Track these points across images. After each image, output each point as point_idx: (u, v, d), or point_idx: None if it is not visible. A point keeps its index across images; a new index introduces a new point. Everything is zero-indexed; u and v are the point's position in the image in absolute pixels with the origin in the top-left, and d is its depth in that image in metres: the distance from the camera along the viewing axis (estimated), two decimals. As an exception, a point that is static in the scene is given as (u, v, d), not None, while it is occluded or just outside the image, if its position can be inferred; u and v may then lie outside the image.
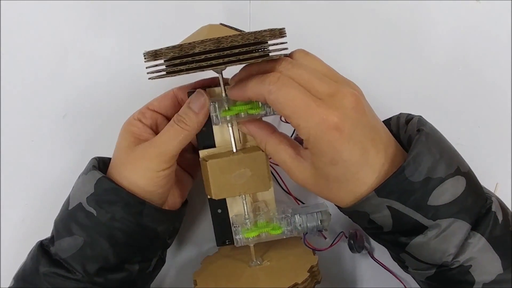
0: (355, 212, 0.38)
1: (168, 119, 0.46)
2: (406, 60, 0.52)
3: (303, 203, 0.51)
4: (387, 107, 0.51)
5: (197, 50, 0.35)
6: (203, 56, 0.35)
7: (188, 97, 0.43)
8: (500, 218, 0.37)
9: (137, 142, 0.43)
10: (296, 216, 0.42)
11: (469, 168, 0.38)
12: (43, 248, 0.42)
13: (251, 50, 0.36)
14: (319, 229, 0.43)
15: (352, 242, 0.51)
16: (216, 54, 0.35)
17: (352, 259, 0.53)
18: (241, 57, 0.35)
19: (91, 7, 0.52)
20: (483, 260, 0.35)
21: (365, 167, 0.36)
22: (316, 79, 0.37)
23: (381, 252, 0.52)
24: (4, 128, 0.52)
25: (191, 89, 0.44)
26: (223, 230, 0.45)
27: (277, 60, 0.38)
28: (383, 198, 0.36)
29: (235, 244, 0.43)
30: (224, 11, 0.52)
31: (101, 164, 0.44)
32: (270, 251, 0.47)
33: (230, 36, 0.35)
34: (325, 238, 0.52)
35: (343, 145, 0.35)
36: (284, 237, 0.43)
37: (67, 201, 0.42)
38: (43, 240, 0.43)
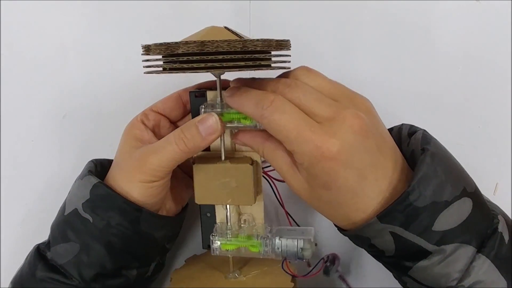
0: (356, 236, 0.37)
1: (171, 121, 0.46)
2: (406, 60, 0.52)
3: (297, 224, 0.50)
4: (386, 107, 0.51)
5: (180, 51, 0.34)
6: (185, 58, 0.34)
7: (190, 98, 0.43)
8: (506, 238, 0.35)
9: (138, 146, 0.42)
10: (276, 238, 0.41)
11: (475, 186, 0.37)
12: (39, 253, 0.42)
13: (237, 58, 0.34)
14: (299, 257, 0.40)
15: (327, 265, 0.48)
16: (198, 57, 0.34)
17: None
18: (225, 64, 0.34)
19: (91, 6, 0.52)
20: (489, 282, 0.34)
21: (361, 194, 0.35)
22: (316, 101, 0.35)
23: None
24: (4, 128, 0.52)
25: (194, 90, 0.43)
26: (210, 234, 0.45)
27: (277, 79, 0.37)
28: (386, 224, 0.34)
29: (211, 253, 0.42)
30: (224, 11, 0.52)
31: (99, 167, 0.44)
32: (250, 264, 0.47)
33: (216, 41, 0.33)
34: (309, 265, 0.49)
35: (338, 173, 0.34)
36: (261, 257, 0.41)
37: (63, 206, 0.42)
38: (40, 244, 0.43)
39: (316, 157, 0.34)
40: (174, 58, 0.35)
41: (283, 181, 0.40)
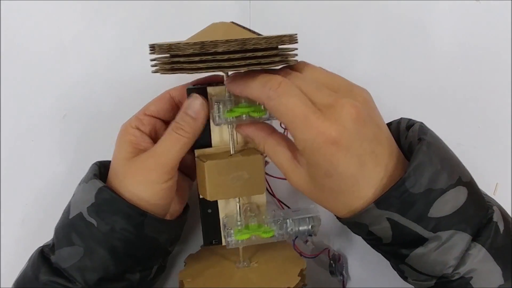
0: (354, 223, 0.38)
1: (167, 123, 0.45)
2: (406, 60, 0.52)
3: (289, 207, 0.51)
4: (387, 107, 0.51)
5: (220, 50, 0.34)
6: (226, 56, 0.35)
7: (187, 94, 0.42)
8: (501, 228, 0.36)
9: (135, 152, 0.42)
10: (288, 220, 0.42)
11: (471, 177, 0.38)
12: (43, 256, 0.41)
13: (272, 55, 0.35)
14: (310, 233, 0.43)
15: (333, 264, 0.51)
16: (240, 55, 0.35)
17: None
18: (262, 60, 0.35)
19: (91, 7, 0.52)
20: (484, 271, 0.35)
21: (361, 180, 0.35)
22: (315, 90, 0.36)
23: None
24: (4, 128, 0.52)
25: (191, 86, 0.43)
26: (212, 230, 0.45)
27: (276, 71, 0.38)
28: (383, 210, 0.35)
29: (226, 246, 0.43)
30: (225, 11, 0.52)
31: (102, 169, 0.44)
32: (258, 253, 0.47)
33: (253, 38, 0.35)
34: (306, 241, 0.52)
35: (339, 159, 0.34)
36: (275, 240, 0.43)
37: (68, 209, 0.42)
38: (44, 246, 0.43)
39: (319, 143, 0.34)
40: (208, 57, 0.35)
41: (283, 178, 0.40)
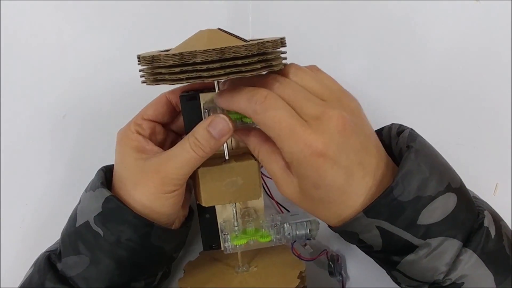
0: (345, 232, 0.38)
1: (165, 126, 0.45)
2: (406, 60, 0.52)
3: (288, 211, 0.51)
4: (387, 107, 0.51)
5: (198, 60, 0.34)
6: (205, 67, 0.34)
7: (181, 102, 0.42)
8: (492, 232, 0.36)
9: (142, 158, 0.41)
10: (285, 224, 0.42)
11: (461, 182, 0.38)
12: (50, 262, 0.41)
13: (254, 62, 0.35)
14: (308, 238, 0.43)
15: (332, 265, 0.51)
16: (218, 64, 0.34)
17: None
18: (243, 68, 0.34)
19: (91, 7, 0.52)
20: (475, 276, 0.35)
21: (349, 191, 0.36)
22: (304, 99, 0.36)
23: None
24: (4, 128, 0.52)
25: (183, 92, 0.43)
26: (210, 235, 0.45)
27: (267, 76, 0.38)
28: (371, 219, 0.35)
29: (223, 251, 0.43)
30: (224, 11, 0.52)
31: (108, 175, 0.43)
32: (257, 257, 0.47)
33: (233, 46, 0.34)
34: (305, 244, 0.52)
35: (327, 171, 0.35)
36: (273, 245, 0.42)
37: (74, 216, 0.41)
38: (50, 252, 0.42)
39: (305, 156, 0.34)
40: (188, 67, 0.35)
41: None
